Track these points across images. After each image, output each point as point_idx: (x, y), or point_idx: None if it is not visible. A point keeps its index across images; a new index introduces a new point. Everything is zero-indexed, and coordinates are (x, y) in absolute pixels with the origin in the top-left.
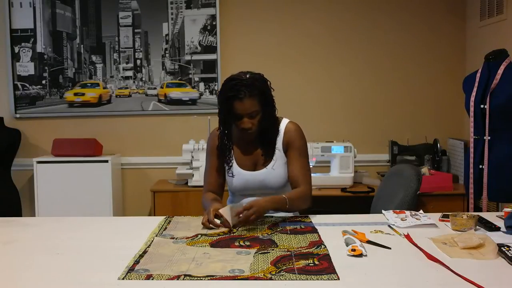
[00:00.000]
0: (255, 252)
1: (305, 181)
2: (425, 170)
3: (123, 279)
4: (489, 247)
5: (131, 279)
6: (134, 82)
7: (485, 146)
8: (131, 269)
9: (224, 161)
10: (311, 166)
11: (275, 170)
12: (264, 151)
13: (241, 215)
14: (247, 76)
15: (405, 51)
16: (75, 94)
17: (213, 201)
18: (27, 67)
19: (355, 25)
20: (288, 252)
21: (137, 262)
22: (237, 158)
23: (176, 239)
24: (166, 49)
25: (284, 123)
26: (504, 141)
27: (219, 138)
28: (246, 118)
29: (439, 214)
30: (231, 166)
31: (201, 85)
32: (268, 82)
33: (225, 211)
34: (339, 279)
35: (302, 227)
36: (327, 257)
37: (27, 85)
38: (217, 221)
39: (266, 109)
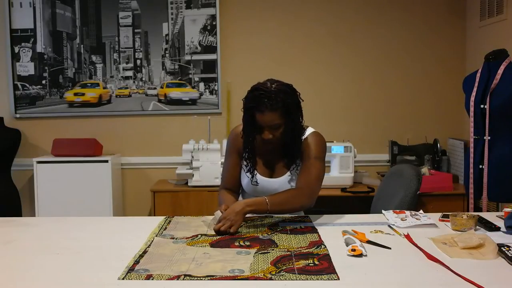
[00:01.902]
0: (255, 252)
1: (304, 181)
2: (425, 170)
3: (123, 279)
4: (489, 247)
5: (131, 279)
6: (134, 82)
7: (485, 146)
8: (131, 269)
9: (241, 160)
10: None
11: (292, 180)
12: (283, 161)
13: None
14: (273, 86)
15: (405, 51)
16: (75, 94)
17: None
18: (27, 67)
19: (355, 25)
20: (288, 252)
21: (137, 262)
22: (257, 161)
23: (176, 239)
24: (166, 49)
25: (306, 133)
26: (504, 141)
27: (243, 144)
28: (267, 130)
29: (439, 214)
30: (255, 174)
31: (201, 85)
32: (297, 94)
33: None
34: (339, 279)
35: (302, 227)
36: (327, 257)
37: (27, 85)
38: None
39: (290, 121)
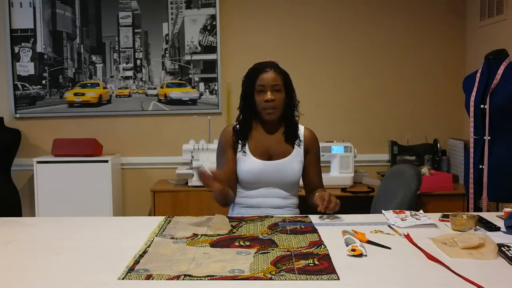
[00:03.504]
0: (255, 252)
1: (322, 184)
2: (425, 170)
3: (123, 279)
4: (489, 247)
5: (131, 279)
6: (134, 82)
7: (485, 146)
8: (131, 269)
9: (236, 155)
10: None
11: (292, 162)
12: (282, 142)
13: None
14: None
15: (405, 51)
16: (75, 94)
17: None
18: (27, 67)
19: (355, 25)
20: (288, 252)
21: (137, 262)
22: (253, 147)
23: (176, 239)
24: (166, 49)
25: (301, 127)
26: (504, 141)
27: (238, 123)
28: (270, 91)
29: (439, 214)
30: (245, 151)
31: (201, 85)
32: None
33: (219, 219)
34: (339, 279)
35: (302, 227)
36: (327, 257)
37: (27, 85)
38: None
39: (288, 92)
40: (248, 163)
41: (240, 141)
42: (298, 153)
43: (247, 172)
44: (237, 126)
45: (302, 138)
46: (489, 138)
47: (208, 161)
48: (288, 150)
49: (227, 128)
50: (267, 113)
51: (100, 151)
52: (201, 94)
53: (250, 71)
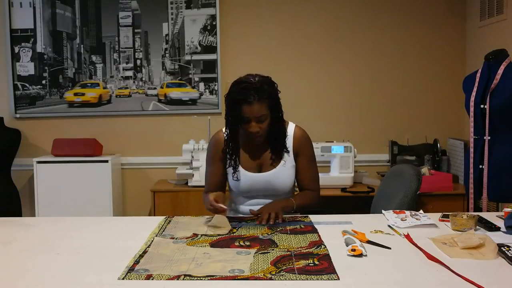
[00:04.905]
0: (255, 252)
1: (315, 187)
2: (425, 170)
3: (123, 279)
4: (489, 247)
5: (131, 279)
6: (134, 82)
7: (485, 146)
8: (131, 269)
9: (227, 164)
10: None
11: (283, 172)
12: (272, 153)
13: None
14: (256, 79)
15: (405, 51)
16: (75, 94)
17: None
18: (27, 67)
19: (355, 25)
20: (288, 252)
21: (137, 262)
22: (242, 160)
23: (176, 239)
24: (166, 49)
25: (291, 127)
26: (504, 141)
27: (225, 141)
28: (254, 122)
29: (439, 214)
30: (237, 170)
31: (201, 85)
32: (276, 85)
33: (219, 219)
34: (339, 279)
35: (302, 227)
36: (327, 257)
37: (27, 85)
38: (218, 204)
39: (275, 113)
40: (239, 176)
41: (229, 153)
42: (287, 160)
43: (238, 185)
44: (227, 134)
45: (291, 141)
46: (489, 138)
47: None
48: (277, 159)
49: (217, 135)
50: (252, 139)
51: (100, 151)
52: (201, 94)
53: (232, 97)
